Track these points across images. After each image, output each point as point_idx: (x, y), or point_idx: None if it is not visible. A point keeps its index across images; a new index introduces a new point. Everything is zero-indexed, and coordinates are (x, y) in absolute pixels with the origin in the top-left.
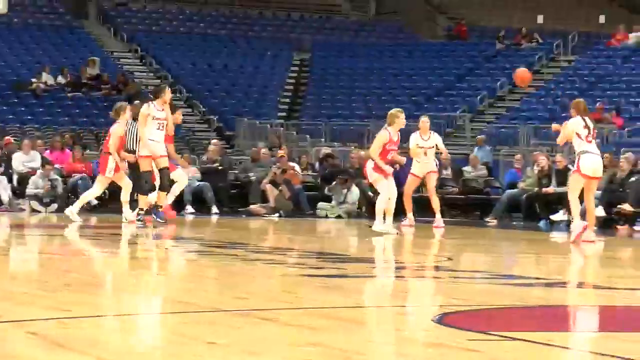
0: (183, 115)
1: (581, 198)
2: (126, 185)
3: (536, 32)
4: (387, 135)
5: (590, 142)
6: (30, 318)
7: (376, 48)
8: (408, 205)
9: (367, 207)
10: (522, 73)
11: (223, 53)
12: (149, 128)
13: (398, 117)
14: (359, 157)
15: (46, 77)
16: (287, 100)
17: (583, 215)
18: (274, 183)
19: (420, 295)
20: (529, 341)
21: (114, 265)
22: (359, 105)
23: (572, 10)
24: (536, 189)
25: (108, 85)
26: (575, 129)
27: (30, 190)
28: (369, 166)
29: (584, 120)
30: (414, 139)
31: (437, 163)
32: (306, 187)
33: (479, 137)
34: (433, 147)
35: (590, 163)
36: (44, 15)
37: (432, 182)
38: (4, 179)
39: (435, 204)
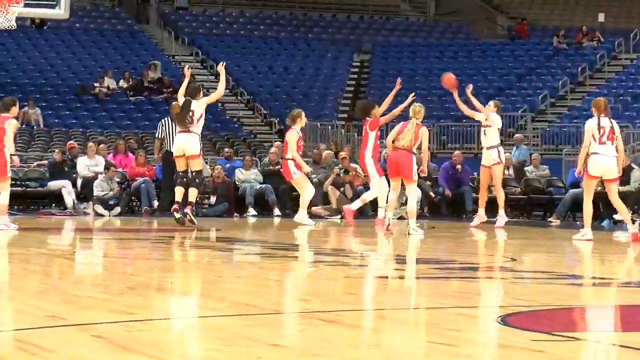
0: (245, 117)
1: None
2: (309, 189)
3: (597, 31)
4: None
5: (603, 143)
6: (94, 321)
7: (436, 48)
8: (483, 198)
9: (429, 208)
10: (447, 79)
11: (283, 55)
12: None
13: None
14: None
15: (108, 82)
16: (348, 101)
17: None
18: (335, 184)
19: (484, 296)
20: (592, 341)
21: (176, 268)
22: None
23: (634, 8)
24: (599, 188)
25: (170, 88)
26: (590, 130)
27: (94, 193)
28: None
29: (599, 120)
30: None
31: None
32: (368, 188)
33: (516, 136)
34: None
35: (598, 164)
36: (105, 20)
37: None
38: (68, 183)
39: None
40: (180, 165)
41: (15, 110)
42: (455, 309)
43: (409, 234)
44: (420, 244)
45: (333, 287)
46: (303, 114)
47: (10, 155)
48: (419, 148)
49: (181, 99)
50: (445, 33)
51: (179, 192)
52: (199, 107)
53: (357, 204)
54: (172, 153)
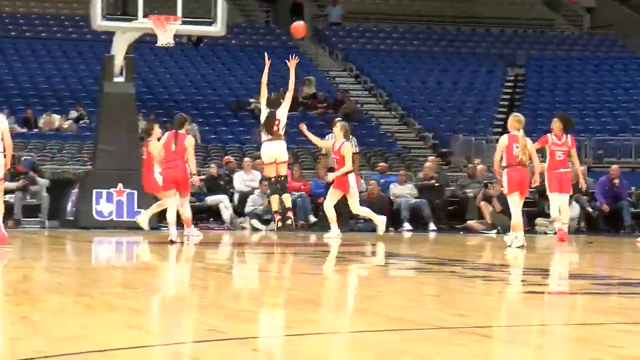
0: (399, 132)
1: None
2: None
3: None
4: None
5: None
6: (253, 335)
7: (592, 62)
8: None
9: (586, 222)
10: (296, 27)
11: (436, 70)
12: None
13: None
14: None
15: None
16: (502, 116)
17: None
18: (487, 199)
19: None
20: None
21: (333, 282)
22: (575, 120)
23: None
24: None
25: (324, 104)
26: None
27: (249, 208)
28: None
29: None
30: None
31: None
32: (523, 203)
33: None
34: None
35: None
36: (260, 36)
37: None
38: (225, 198)
39: None
40: (270, 172)
41: (187, 126)
42: (616, 325)
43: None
44: (579, 260)
45: (490, 303)
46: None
47: (191, 173)
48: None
49: (264, 111)
50: (601, 46)
51: (275, 201)
52: (282, 114)
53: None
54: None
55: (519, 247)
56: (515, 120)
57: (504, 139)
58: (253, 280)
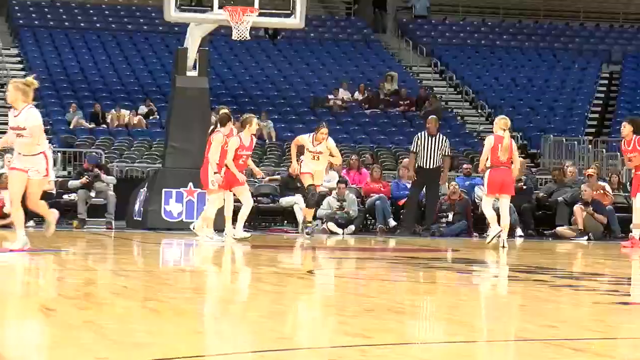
0: (485, 132)
1: None
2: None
3: None
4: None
5: None
6: (330, 345)
7: None
8: None
9: None
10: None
11: (527, 66)
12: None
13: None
14: None
15: (343, 94)
16: (596, 115)
17: None
18: (583, 203)
19: None
20: None
21: (413, 290)
22: None
23: None
24: None
25: (407, 101)
26: None
27: (324, 211)
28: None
29: None
30: None
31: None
32: (617, 208)
33: None
34: None
35: None
36: (340, 29)
37: None
38: (300, 199)
39: None
40: (309, 181)
41: (229, 126)
42: None
43: None
44: None
45: (581, 314)
46: (255, 120)
47: (214, 173)
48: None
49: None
50: None
51: (310, 214)
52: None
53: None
54: (425, 168)
55: (489, 242)
56: (502, 122)
57: (489, 140)
58: (328, 286)
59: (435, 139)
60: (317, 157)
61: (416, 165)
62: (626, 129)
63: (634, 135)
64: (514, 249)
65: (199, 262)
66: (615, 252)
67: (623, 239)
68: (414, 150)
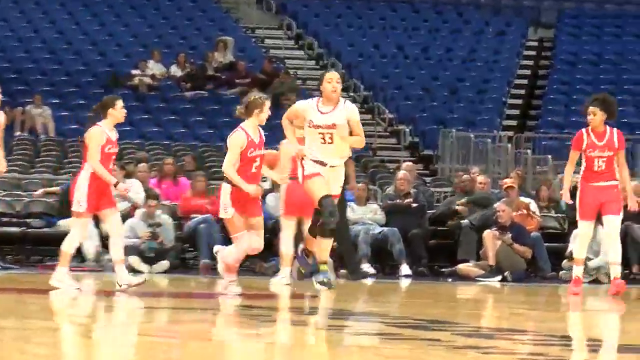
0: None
1: None
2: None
3: None
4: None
5: None
6: None
7: None
8: None
9: None
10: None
11: (422, 29)
12: None
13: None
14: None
15: (154, 67)
16: (519, 101)
17: None
18: (498, 228)
19: None
20: None
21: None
22: None
23: None
24: None
25: (247, 79)
26: None
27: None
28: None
29: None
30: None
31: None
32: (547, 236)
33: None
34: None
35: None
36: None
37: None
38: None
39: None
40: (321, 189)
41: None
42: None
43: None
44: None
45: None
46: (268, 102)
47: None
48: None
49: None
50: None
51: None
52: None
53: None
54: None
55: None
56: None
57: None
58: (121, 348)
59: None
60: (331, 138)
61: None
62: (597, 116)
63: (607, 127)
64: (397, 293)
65: None
66: (541, 298)
67: (554, 279)
68: None
